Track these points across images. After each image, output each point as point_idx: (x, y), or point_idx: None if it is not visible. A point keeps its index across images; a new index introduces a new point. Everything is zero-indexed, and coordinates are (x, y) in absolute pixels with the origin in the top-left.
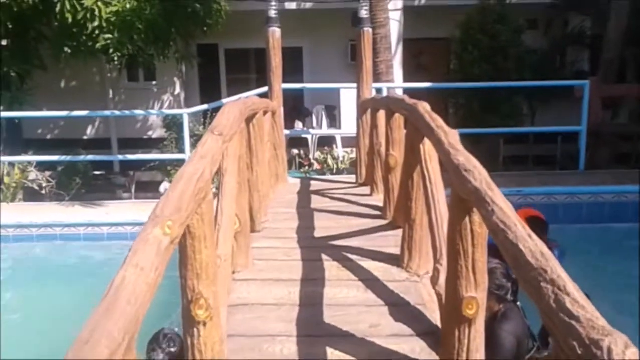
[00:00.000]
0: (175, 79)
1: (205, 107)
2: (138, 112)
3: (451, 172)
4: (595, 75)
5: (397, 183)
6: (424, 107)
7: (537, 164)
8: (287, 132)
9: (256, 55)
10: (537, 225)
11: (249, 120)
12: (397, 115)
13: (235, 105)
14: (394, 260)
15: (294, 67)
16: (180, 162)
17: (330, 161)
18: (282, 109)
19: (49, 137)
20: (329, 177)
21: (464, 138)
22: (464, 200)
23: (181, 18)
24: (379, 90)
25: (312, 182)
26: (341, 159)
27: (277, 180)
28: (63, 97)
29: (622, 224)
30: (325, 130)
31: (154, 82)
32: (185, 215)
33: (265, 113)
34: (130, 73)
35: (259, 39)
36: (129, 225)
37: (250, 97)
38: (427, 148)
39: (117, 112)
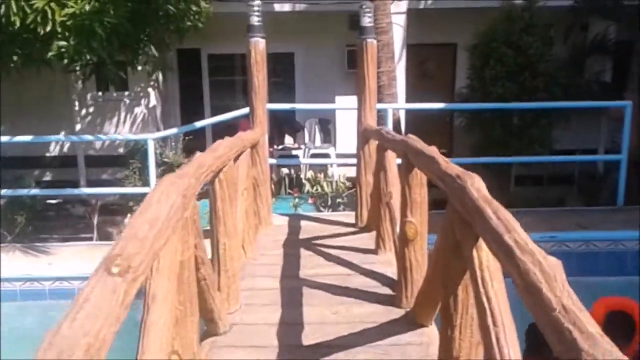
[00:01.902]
0: (150, 90)
1: (173, 131)
2: (88, 137)
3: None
4: (620, 88)
5: (417, 261)
6: (477, 185)
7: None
8: (272, 161)
9: (243, 60)
10: (622, 325)
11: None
12: (417, 169)
13: (173, 187)
14: None
15: (284, 75)
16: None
17: (324, 186)
18: (265, 137)
19: (8, 154)
20: (323, 214)
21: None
22: None
23: (152, 22)
24: (382, 111)
25: (303, 224)
26: (336, 178)
27: (259, 224)
28: (24, 109)
29: None
30: (318, 146)
31: (127, 93)
32: None
33: (241, 153)
34: (100, 82)
35: (245, 43)
36: (76, 280)
37: (222, 143)
38: (484, 254)
39: (73, 137)
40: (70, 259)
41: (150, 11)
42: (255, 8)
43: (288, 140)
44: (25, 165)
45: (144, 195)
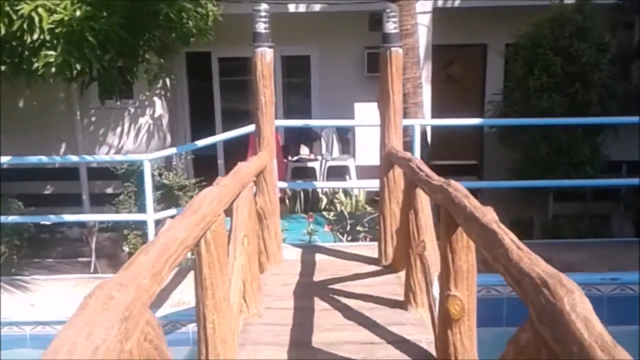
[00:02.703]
0: (155, 99)
1: (172, 150)
2: (73, 158)
3: None
4: None
5: (464, 346)
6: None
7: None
8: (283, 184)
9: None
10: None
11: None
12: (462, 230)
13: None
14: None
15: (300, 79)
16: (140, 224)
17: (343, 204)
18: (274, 162)
19: (5, 166)
20: (341, 245)
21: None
22: None
23: (151, 27)
24: (408, 127)
25: (318, 258)
26: (356, 192)
27: (266, 261)
28: (23, 119)
29: None
30: (336, 157)
31: (131, 101)
32: None
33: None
34: (101, 91)
35: None
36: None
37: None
38: None
39: (57, 158)
40: (58, 297)
41: (148, 16)
42: (262, 13)
43: (303, 150)
44: (23, 178)
45: (140, 222)
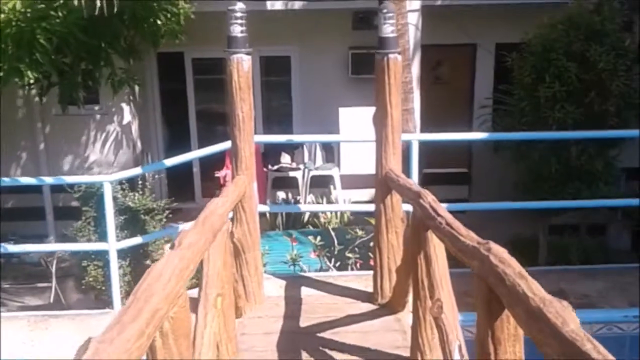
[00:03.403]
0: (123, 104)
1: (136, 171)
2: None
3: None
4: None
5: None
6: None
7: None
8: (264, 208)
9: None
10: None
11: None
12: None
13: None
14: None
15: (279, 82)
16: (101, 253)
17: (327, 219)
18: (254, 186)
19: None
20: (330, 275)
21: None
22: None
23: (116, 28)
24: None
25: (304, 294)
26: (341, 202)
27: (245, 302)
28: None
29: None
30: (319, 166)
31: (97, 107)
32: None
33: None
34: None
35: None
36: None
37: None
38: None
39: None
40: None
41: (112, 15)
42: (238, 14)
43: (284, 159)
44: None
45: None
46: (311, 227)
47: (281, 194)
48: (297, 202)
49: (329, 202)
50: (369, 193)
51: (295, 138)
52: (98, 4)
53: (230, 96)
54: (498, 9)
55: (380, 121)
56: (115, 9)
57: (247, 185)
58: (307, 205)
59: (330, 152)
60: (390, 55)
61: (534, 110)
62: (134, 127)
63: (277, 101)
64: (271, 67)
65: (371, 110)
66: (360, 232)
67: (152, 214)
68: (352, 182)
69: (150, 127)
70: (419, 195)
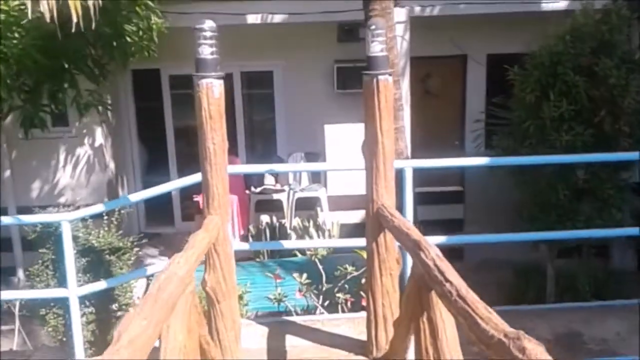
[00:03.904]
0: (95, 125)
1: (97, 209)
2: None
3: None
4: None
5: None
6: None
7: None
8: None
9: None
10: None
11: None
12: None
13: None
14: None
15: (262, 98)
16: (61, 300)
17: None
18: (228, 227)
19: None
20: (318, 320)
21: None
22: None
23: (80, 47)
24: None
25: (289, 346)
26: (329, 226)
27: None
28: None
29: None
30: (305, 187)
31: (66, 129)
32: None
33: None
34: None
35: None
36: None
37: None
38: None
39: None
40: None
41: (75, 34)
42: (207, 33)
43: (268, 180)
44: None
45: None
46: (297, 253)
47: (265, 218)
48: (282, 225)
49: (316, 225)
50: (358, 215)
51: (277, 168)
52: (74, 19)
53: (199, 126)
54: (489, 18)
55: (370, 149)
56: (83, 28)
57: (221, 227)
58: (292, 241)
59: (317, 172)
60: (380, 77)
61: (538, 131)
62: (107, 149)
63: (259, 119)
64: (253, 83)
65: (358, 127)
66: (350, 268)
67: (118, 254)
68: (340, 203)
69: (125, 147)
70: (418, 246)
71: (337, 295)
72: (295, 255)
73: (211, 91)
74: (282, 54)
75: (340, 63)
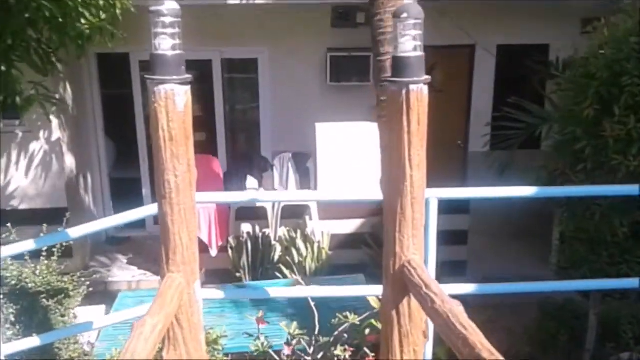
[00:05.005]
0: (52, 117)
1: (28, 246)
2: None
3: None
4: None
5: None
6: None
7: None
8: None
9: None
10: None
11: None
12: None
13: None
14: None
15: (244, 87)
16: None
17: (304, 258)
18: (198, 283)
19: None
20: None
21: None
22: None
23: (17, 31)
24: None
25: None
26: (318, 237)
27: None
28: None
29: None
30: (293, 192)
31: (17, 122)
32: None
33: None
34: None
35: (192, 39)
36: None
37: None
38: None
39: None
40: None
41: (10, 16)
42: (167, 19)
43: (251, 183)
44: None
45: None
46: (283, 267)
47: (246, 227)
48: (265, 236)
49: (304, 235)
50: (351, 224)
51: (262, 197)
52: None
53: (155, 152)
54: (501, 5)
55: (392, 186)
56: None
57: (186, 289)
58: (278, 290)
59: (306, 176)
60: (413, 87)
61: (596, 153)
62: (65, 144)
63: (243, 109)
64: (235, 72)
65: (354, 126)
66: (351, 317)
67: (59, 297)
68: (332, 211)
69: (90, 141)
70: (466, 344)
71: (336, 353)
72: (281, 276)
73: (172, 102)
74: (269, 40)
75: (334, 52)
